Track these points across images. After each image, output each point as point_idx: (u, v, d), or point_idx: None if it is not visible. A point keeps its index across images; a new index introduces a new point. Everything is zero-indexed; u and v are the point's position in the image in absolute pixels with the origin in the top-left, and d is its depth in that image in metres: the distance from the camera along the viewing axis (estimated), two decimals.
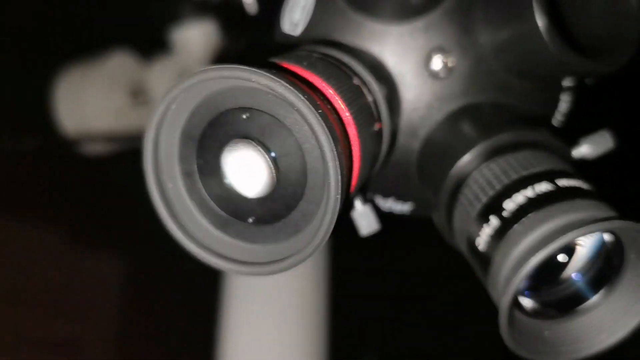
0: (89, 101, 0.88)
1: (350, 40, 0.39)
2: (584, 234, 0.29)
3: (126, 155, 0.92)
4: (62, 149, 0.92)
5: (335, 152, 0.26)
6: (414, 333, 1.11)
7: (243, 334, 0.69)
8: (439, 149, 0.38)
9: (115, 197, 1.17)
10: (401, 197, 0.41)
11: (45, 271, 1.21)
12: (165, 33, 0.86)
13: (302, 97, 0.26)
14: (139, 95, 0.90)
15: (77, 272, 1.24)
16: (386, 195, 0.41)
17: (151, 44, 0.90)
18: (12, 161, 0.98)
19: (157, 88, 0.88)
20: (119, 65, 0.90)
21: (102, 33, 0.95)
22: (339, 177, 0.26)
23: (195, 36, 0.86)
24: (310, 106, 0.26)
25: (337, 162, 0.26)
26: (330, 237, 0.28)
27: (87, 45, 0.92)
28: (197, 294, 1.18)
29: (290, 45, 0.39)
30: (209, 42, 0.86)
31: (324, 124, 0.26)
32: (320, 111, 0.26)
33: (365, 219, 0.37)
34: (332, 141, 0.26)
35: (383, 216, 0.40)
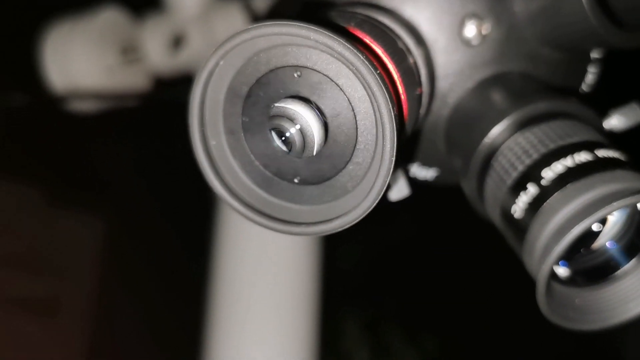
0: (77, 58, 0.86)
1: (384, 2, 0.38)
2: (626, 205, 0.29)
3: (114, 113, 0.91)
4: (49, 107, 0.90)
5: (393, 114, 0.26)
6: (432, 297, 1.13)
7: (230, 294, 0.69)
8: (470, 117, 0.38)
9: (98, 156, 1.16)
10: (426, 163, 0.41)
11: (24, 229, 1.19)
12: None
13: (362, 57, 0.26)
14: (129, 53, 0.88)
15: (57, 231, 1.22)
16: (411, 160, 0.41)
17: (143, 0, 0.88)
18: None
19: (148, 46, 0.87)
20: (109, 21, 0.88)
21: None
22: (395, 139, 0.26)
23: None
24: (370, 66, 0.26)
25: (395, 124, 0.26)
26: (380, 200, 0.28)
27: (77, 0, 0.90)
28: (179, 253, 1.18)
29: (321, 5, 0.39)
30: (202, 1, 0.85)
31: (382, 85, 0.26)
32: (378, 72, 0.26)
33: (396, 184, 0.37)
34: (390, 102, 0.26)
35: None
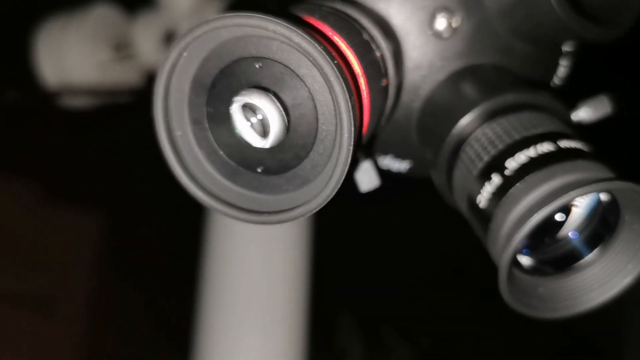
0: (70, 54, 0.87)
1: None
2: (585, 194, 0.29)
3: (107, 109, 0.91)
4: (42, 103, 0.90)
5: (349, 104, 0.26)
6: (407, 290, 1.13)
7: (223, 290, 0.69)
8: (441, 108, 0.39)
9: (93, 152, 1.17)
10: (399, 155, 0.41)
11: (21, 226, 1.20)
12: None
13: (319, 48, 0.26)
14: (122, 49, 0.89)
15: (53, 228, 1.23)
16: (384, 152, 0.41)
17: None
18: None
19: (140, 42, 0.87)
20: (102, 18, 0.88)
21: None
22: (353, 128, 0.27)
23: None
24: (327, 57, 0.26)
25: (352, 114, 0.27)
26: (339, 189, 0.28)
27: None
28: (175, 248, 1.19)
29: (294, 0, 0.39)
30: None
31: (339, 75, 0.26)
32: (335, 62, 0.27)
33: (366, 175, 0.37)
34: (347, 92, 0.26)
35: (380, 173, 0.40)
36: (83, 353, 1.24)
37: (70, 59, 0.86)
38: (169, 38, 0.85)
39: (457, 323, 1.15)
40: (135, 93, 0.91)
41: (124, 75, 0.90)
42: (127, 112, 0.96)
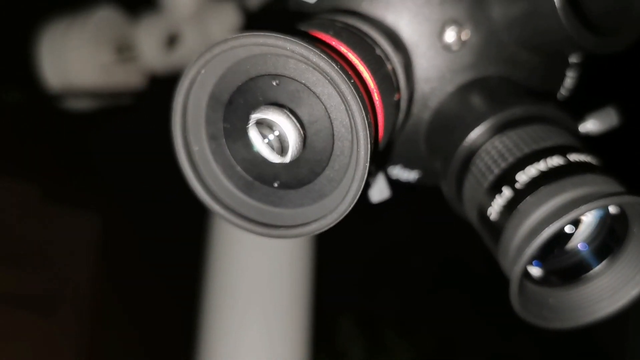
0: (73, 56, 0.87)
1: (366, 10, 0.39)
2: (595, 208, 0.30)
3: (109, 111, 0.92)
4: (44, 104, 0.90)
5: (366, 122, 0.27)
6: (407, 291, 1.13)
7: (225, 291, 0.69)
8: (450, 120, 0.39)
9: (93, 153, 1.17)
10: (408, 165, 0.42)
11: (20, 226, 1.20)
12: None
13: (336, 67, 0.27)
14: (124, 51, 0.89)
15: (53, 228, 1.23)
16: (394, 163, 0.42)
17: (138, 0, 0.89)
18: None
19: (143, 45, 0.87)
20: (104, 20, 0.88)
21: None
22: (369, 146, 0.27)
23: None
24: (343, 76, 0.27)
25: (368, 131, 0.27)
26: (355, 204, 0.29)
27: None
28: (176, 249, 1.19)
29: (304, 14, 0.40)
30: (197, 0, 0.85)
31: (356, 94, 0.27)
32: (352, 81, 0.27)
33: (376, 186, 0.38)
34: (363, 111, 0.27)
35: (389, 183, 0.40)
36: (83, 353, 1.24)
37: (73, 60, 0.86)
38: (172, 41, 0.85)
39: (457, 323, 1.15)
40: (137, 95, 0.91)
41: (126, 78, 0.90)
42: (129, 114, 0.97)
